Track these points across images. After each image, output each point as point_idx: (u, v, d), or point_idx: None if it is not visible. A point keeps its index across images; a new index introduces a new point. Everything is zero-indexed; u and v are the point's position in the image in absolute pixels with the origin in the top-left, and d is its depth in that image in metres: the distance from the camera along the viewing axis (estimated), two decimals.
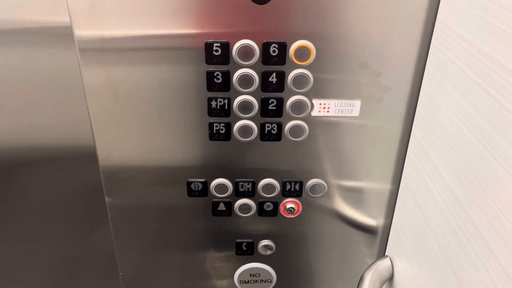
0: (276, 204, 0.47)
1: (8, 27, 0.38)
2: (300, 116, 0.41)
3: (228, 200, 0.47)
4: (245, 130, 0.42)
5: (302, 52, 0.38)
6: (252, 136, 0.42)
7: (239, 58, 0.38)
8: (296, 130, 0.42)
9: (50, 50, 0.39)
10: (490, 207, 0.27)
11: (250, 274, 0.53)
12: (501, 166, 0.26)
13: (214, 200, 0.47)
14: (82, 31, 0.37)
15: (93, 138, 0.43)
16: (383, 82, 0.40)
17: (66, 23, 0.37)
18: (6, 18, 0.38)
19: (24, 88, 0.41)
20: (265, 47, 0.38)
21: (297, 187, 0.46)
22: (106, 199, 0.47)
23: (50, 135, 0.44)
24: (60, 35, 0.38)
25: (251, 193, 0.46)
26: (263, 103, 0.41)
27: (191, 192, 0.46)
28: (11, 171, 0.47)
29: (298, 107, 0.41)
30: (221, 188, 0.46)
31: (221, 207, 0.47)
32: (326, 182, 0.46)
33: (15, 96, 0.42)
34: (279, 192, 0.46)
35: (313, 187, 0.46)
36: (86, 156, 0.44)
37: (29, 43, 0.39)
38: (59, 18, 0.37)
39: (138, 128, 0.42)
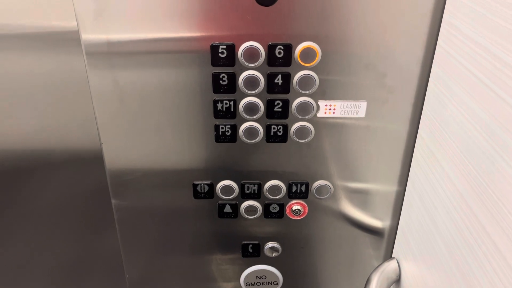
0: (282, 206, 0.47)
1: (15, 32, 0.39)
2: (306, 117, 0.41)
3: (234, 202, 0.47)
4: (251, 132, 0.42)
5: (308, 54, 0.38)
6: (258, 138, 0.42)
7: (244, 60, 0.38)
8: (302, 132, 0.42)
9: (57, 54, 0.40)
10: (499, 208, 0.27)
11: (257, 276, 0.53)
12: (509, 167, 0.26)
13: (220, 202, 0.47)
14: (89, 35, 0.37)
15: (100, 140, 0.43)
16: (389, 83, 0.40)
17: (74, 27, 0.37)
18: (14, 23, 0.38)
19: (32, 91, 0.42)
20: (270, 49, 0.38)
21: (303, 188, 0.46)
22: (113, 201, 0.47)
23: (57, 138, 0.45)
24: (68, 39, 0.38)
25: (257, 195, 0.46)
26: (269, 104, 0.41)
27: (197, 194, 0.46)
28: (18, 174, 0.47)
29: (304, 108, 0.41)
30: (227, 190, 0.46)
31: (227, 209, 0.47)
32: (332, 184, 0.46)
33: (22, 99, 0.42)
34: (285, 194, 0.46)
35: (319, 188, 0.46)
36: (93, 159, 0.45)
37: (37, 47, 0.39)
38: (67, 23, 0.38)
39: (145, 131, 0.42)
